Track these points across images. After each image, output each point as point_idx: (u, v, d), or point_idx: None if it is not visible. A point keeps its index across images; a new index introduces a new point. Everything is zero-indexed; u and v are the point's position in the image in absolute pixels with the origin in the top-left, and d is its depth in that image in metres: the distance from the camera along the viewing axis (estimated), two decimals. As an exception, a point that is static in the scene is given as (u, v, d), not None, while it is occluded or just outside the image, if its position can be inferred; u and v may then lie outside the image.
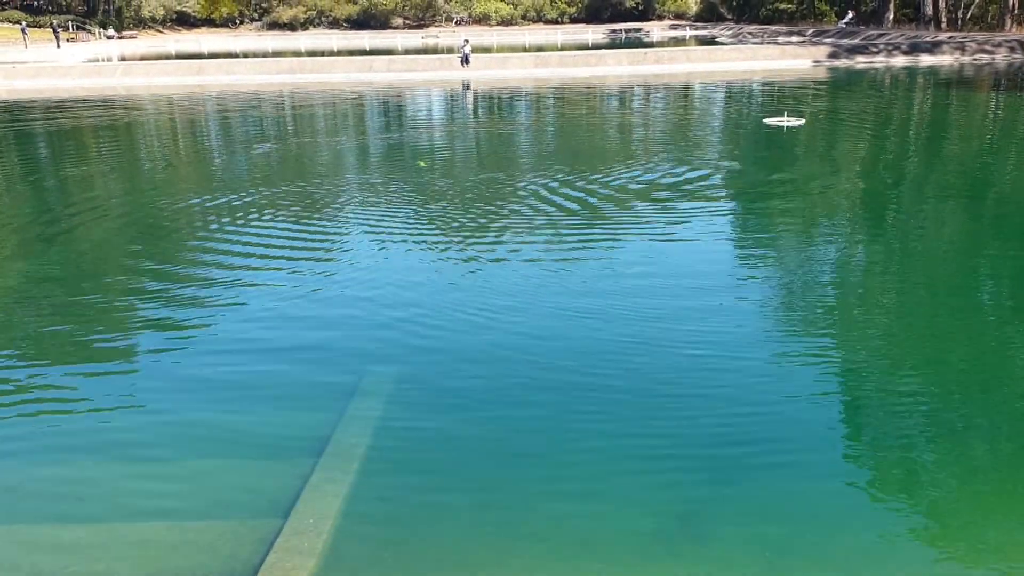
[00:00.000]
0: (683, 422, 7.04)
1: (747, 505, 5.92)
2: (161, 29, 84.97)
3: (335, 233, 13.40)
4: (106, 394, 7.91)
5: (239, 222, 14.08)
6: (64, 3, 76.54)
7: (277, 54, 60.56)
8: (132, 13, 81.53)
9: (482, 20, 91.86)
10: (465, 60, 44.92)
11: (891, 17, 64.62)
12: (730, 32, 73.66)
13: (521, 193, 15.90)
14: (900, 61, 47.08)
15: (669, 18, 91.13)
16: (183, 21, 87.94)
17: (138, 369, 8.45)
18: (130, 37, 77.96)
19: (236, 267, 11.57)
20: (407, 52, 59.57)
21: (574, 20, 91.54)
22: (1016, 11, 55.91)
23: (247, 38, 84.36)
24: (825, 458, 6.50)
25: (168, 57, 58.04)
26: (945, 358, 8.43)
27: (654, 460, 6.51)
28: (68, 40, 68.27)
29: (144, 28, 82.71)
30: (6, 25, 70.24)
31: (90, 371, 8.47)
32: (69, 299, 10.55)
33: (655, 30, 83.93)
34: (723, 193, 15.29)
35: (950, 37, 51.72)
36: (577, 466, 6.44)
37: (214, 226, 13.96)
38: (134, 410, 7.52)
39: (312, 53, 60.78)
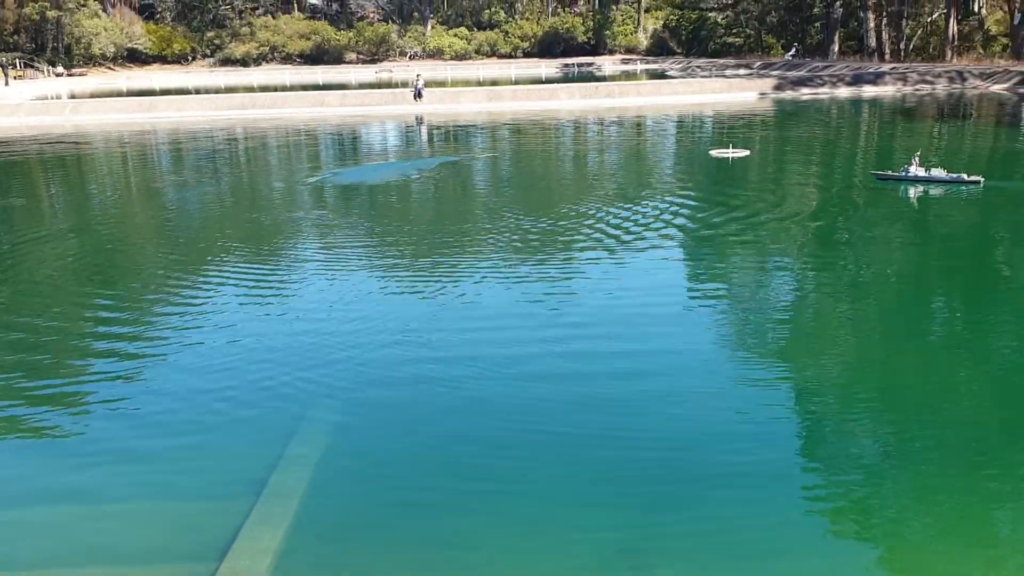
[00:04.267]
0: (629, 453, 7.08)
1: (692, 538, 5.94)
2: (112, 66, 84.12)
3: (281, 269, 13.34)
4: (38, 436, 7.77)
5: (183, 260, 13.96)
6: (12, 41, 75.59)
7: (230, 90, 60.30)
8: (82, 50, 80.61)
9: (436, 55, 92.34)
10: (418, 94, 45.13)
11: (836, 49, 66.27)
12: (680, 66, 74.83)
13: (472, 227, 15.98)
14: (844, 92, 48.25)
15: (620, 52, 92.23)
16: (134, 58, 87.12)
17: (75, 410, 8.32)
18: (80, 74, 77.13)
19: (179, 304, 11.47)
20: (361, 87, 59.73)
21: (527, 55, 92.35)
22: (956, 42, 57.71)
23: (199, 74, 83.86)
24: (774, 488, 6.56)
25: (119, 94, 57.49)
26: (896, 383, 8.59)
27: (598, 492, 6.54)
28: (16, 78, 67.38)
29: (94, 65, 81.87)
30: (-49, 63, 69.27)
31: (22, 413, 8.31)
32: (8, 338, 10.34)
33: (607, 64, 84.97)
34: (671, 224, 15.49)
35: (893, 68, 53.18)
36: (520, 499, 6.45)
37: (159, 263, 13.83)
38: (69, 453, 7.40)
39: (265, 89, 60.66)
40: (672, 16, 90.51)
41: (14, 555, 5.97)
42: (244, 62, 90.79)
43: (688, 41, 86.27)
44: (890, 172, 19.50)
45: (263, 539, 5.76)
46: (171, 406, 8.27)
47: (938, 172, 18.73)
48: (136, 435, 7.71)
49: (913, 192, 18.38)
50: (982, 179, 18.44)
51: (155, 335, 10.36)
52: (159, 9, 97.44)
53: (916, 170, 18.80)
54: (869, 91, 48.14)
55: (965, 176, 18.60)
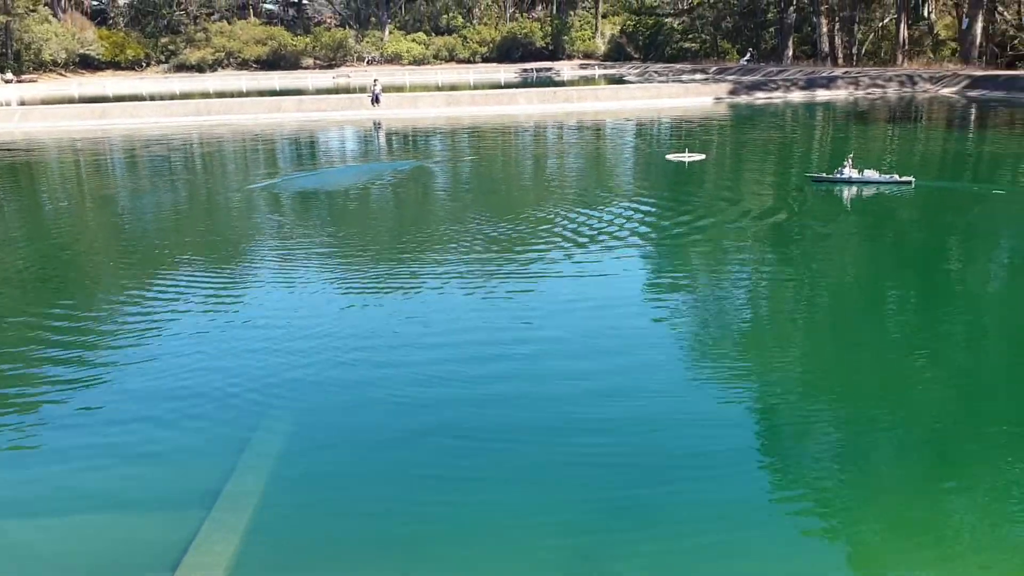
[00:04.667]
0: (589, 459, 7.09)
1: (653, 543, 5.97)
2: (64, 73, 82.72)
3: (236, 277, 13.20)
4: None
5: (136, 268, 13.76)
6: (-41, 47, 74.10)
7: (185, 96, 59.60)
8: (32, 56, 79.07)
9: (394, 60, 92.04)
10: (376, 100, 44.95)
11: (790, 54, 67.27)
12: (637, 71, 75.49)
13: (429, 233, 15.94)
14: (798, 96, 48.96)
15: (578, 58, 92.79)
16: (87, 64, 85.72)
17: (22, 420, 8.15)
18: (30, 81, 75.76)
19: (132, 313, 11.29)
20: (318, 92, 59.35)
21: (486, 60, 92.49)
22: (906, 47, 58.86)
23: (154, 80, 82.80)
24: (734, 491, 6.61)
25: (71, 101, 56.53)
26: (852, 385, 8.71)
27: (560, 497, 6.54)
28: (-37, 84, 66.01)
29: (45, 72, 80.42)
30: None
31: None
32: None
33: (565, 69, 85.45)
34: (629, 229, 15.57)
35: (845, 72, 54.07)
36: (479, 507, 6.43)
37: (112, 272, 13.61)
38: (16, 464, 7.25)
39: (221, 95, 60.01)
40: (629, 22, 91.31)
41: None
42: (199, 68, 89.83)
43: (645, 46, 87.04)
44: (824, 174, 19.94)
45: (216, 549, 5.70)
46: (123, 415, 8.14)
47: (871, 173, 19.27)
48: (86, 445, 7.58)
49: (847, 193, 18.78)
50: (913, 179, 18.97)
51: (107, 344, 10.20)
52: (112, 14, 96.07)
53: (850, 172, 19.30)
54: (822, 95, 48.91)
55: (897, 177, 19.16)
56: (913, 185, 18.74)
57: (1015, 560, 5.75)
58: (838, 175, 19.38)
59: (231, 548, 5.76)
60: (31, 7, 75.99)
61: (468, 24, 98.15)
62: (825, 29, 65.66)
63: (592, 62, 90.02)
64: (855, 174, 19.24)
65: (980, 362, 9.51)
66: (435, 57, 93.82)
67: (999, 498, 6.43)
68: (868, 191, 18.82)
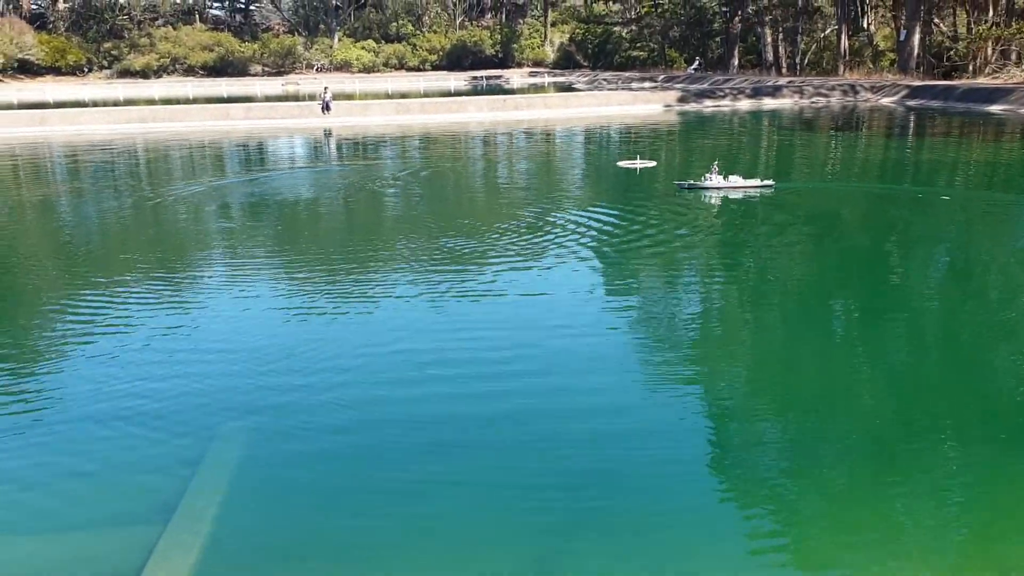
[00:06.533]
0: (544, 464, 7.12)
1: (608, 545, 6.02)
2: (2, 78, 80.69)
3: (186, 286, 12.97)
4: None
5: (82, 277, 13.45)
6: None
7: (129, 102, 58.48)
8: (-32, 61, 77.12)
9: (344, 67, 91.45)
10: (326, 107, 44.62)
11: (736, 63, 68.42)
12: (586, 79, 76.04)
13: (382, 245, 15.85)
14: (745, 104, 49.78)
15: (528, 66, 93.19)
16: (25, 69, 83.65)
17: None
18: (-34, 86, 73.82)
19: (79, 323, 11.02)
20: (267, 99, 58.74)
21: (436, 67, 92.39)
22: (847, 57, 60.24)
23: (96, 87, 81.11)
24: (688, 494, 6.69)
25: (8, 106, 55.10)
26: (800, 387, 8.88)
27: (515, 502, 6.55)
28: None
29: (-18, 77, 78.36)
30: None
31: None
32: None
33: (515, 77, 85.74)
34: (582, 237, 15.64)
35: (790, 82, 55.13)
36: (437, 517, 6.40)
37: (56, 281, 13.28)
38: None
39: (167, 101, 59.03)
40: (578, 30, 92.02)
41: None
42: (144, 74, 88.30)
43: (594, 55, 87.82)
44: (691, 181, 20.66)
45: (173, 564, 5.57)
46: (72, 429, 7.93)
47: (735, 179, 20.35)
48: (35, 461, 7.37)
49: (714, 198, 19.54)
50: (773, 183, 20.29)
51: (54, 354, 9.94)
52: (51, 19, 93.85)
53: (715, 177, 20.25)
54: (769, 103, 49.81)
55: (759, 181, 20.32)
56: (773, 188, 20.01)
57: (958, 557, 5.92)
58: (705, 181, 20.30)
59: (189, 563, 5.64)
60: (-33, 11, 73.92)
61: (418, 32, 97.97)
62: (770, 39, 66.97)
63: (542, 70, 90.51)
64: (720, 180, 20.19)
65: (917, 360, 9.75)
66: (385, 65, 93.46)
67: (942, 497, 6.60)
68: (735, 195, 19.71)
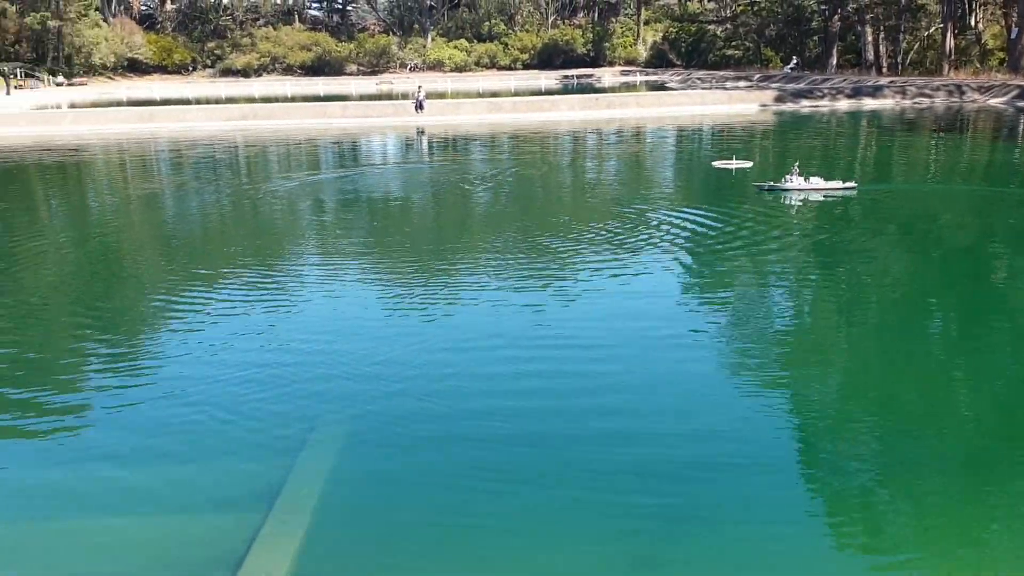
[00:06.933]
0: (638, 465, 7.07)
1: (703, 548, 5.96)
2: (112, 76, 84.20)
3: (286, 281, 13.31)
4: (39, 443, 7.72)
5: (185, 269, 13.94)
6: (13, 50, 75.63)
7: (230, 100, 60.38)
8: (82, 60, 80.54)
9: (436, 67, 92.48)
10: (419, 106, 45.20)
11: (834, 62, 66.53)
12: (679, 78, 75.06)
13: (475, 241, 15.97)
14: (844, 105, 48.38)
15: (620, 64, 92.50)
16: (135, 68, 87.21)
17: (78, 421, 8.27)
18: (80, 84, 77.13)
19: (183, 317, 11.42)
20: (362, 98, 59.84)
21: (527, 67, 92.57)
22: (953, 56, 57.96)
23: (200, 85, 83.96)
24: (781, 499, 6.58)
25: (119, 104, 57.54)
26: (897, 397, 8.60)
27: (609, 503, 6.52)
28: (17, 87, 67.39)
29: (95, 75, 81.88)
30: (-48, 72, 69.30)
31: (22, 423, 8.25)
32: (14, 350, 10.30)
33: (606, 76, 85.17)
34: (677, 238, 15.46)
35: (891, 81, 53.33)
36: (531, 512, 6.42)
37: (163, 275, 13.80)
38: (77, 468, 7.33)
39: (266, 99, 60.73)
40: (672, 29, 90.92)
41: (8, 570, 5.92)
42: (245, 73, 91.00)
43: (687, 53, 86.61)
44: (771, 182, 19.98)
45: (278, 550, 5.73)
46: (178, 418, 8.22)
47: (816, 180, 19.75)
48: (142, 444, 7.67)
49: (795, 199, 19.03)
50: (855, 184, 19.74)
51: (158, 344, 10.33)
52: (159, 19, 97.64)
53: (796, 179, 19.66)
54: (869, 104, 48.30)
55: (840, 183, 19.70)
56: (856, 191, 19.45)
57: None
58: (785, 183, 19.74)
59: (293, 548, 5.79)
60: (83, 12, 77.42)
61: (509, 31, 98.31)
62: (870, 38, 64.83)
63: (633, 69, 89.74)
64: (801, 181, 19.62)
65: (1021, 370, 9.34)
66: (476, 64, 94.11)
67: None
68: (815, 197, 19.17)
